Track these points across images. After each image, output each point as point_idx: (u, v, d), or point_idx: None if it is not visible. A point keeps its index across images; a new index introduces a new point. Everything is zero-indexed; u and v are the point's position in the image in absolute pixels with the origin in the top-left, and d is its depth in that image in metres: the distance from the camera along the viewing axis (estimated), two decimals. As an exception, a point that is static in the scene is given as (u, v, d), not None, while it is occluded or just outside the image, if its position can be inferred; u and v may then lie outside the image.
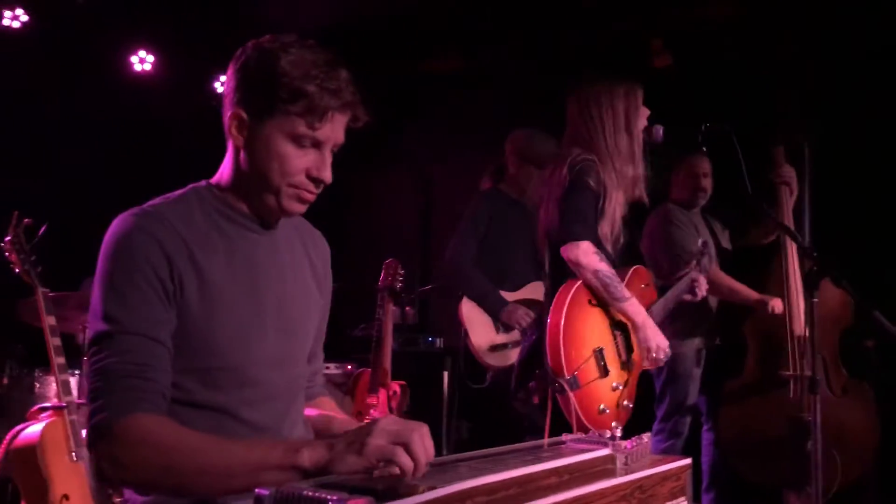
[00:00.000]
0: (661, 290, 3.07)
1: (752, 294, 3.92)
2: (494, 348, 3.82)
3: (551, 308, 2.65)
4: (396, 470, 1.14)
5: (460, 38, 5.74)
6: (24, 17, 4.88)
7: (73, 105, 5.04)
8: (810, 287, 2.47)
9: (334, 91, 1.44)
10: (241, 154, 1.50)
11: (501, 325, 3.80)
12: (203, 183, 1.57)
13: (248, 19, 5.42)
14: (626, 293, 2.71)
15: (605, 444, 1.42)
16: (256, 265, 1.53)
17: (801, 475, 3.17)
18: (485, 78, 5.83)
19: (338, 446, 1.18)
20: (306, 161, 1.48)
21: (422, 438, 1.15)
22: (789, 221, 3.96)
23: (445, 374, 4.84)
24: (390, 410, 4.04)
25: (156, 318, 1.40)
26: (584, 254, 2.65)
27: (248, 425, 1.47)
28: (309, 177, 1.49)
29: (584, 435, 1.48)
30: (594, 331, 2.70)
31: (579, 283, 2.69)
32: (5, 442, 2.72)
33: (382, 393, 4.08)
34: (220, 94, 1.54)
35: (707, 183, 4.10)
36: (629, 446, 1.42)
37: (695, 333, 3.95)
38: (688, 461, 1.51)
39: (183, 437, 1.32)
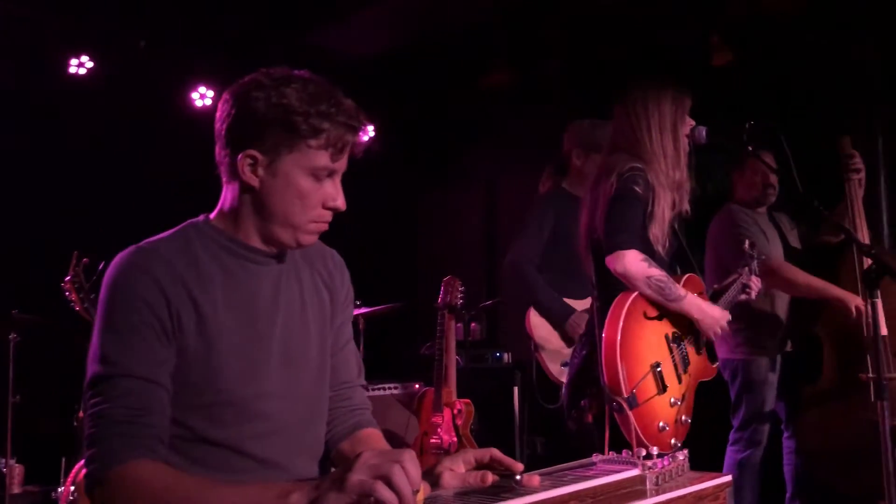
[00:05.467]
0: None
1: (832, 290, 3.70)
2: (566, 363, 3.57)
3: (606, 322, 2.54)
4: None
5: (517, 52, 5.70)
6: (89, 64, 5.10)
7: (137, 144, 5.18)
8: (870, 286, 2.35)
9: (346, 122, 1.47)
10: (254, 194, 1.49)
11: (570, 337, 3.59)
12: (201, 218, 1.58)
13: (306, 49, 5.51)
14: (682, 291, 2.61)
15: (635, 465, 1.35)
16: (258, 297, 1.52)
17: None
18: (544, 92, 5.78)
19: (323, 485, 1.15)
20: (323, 193, 1.50)
21: (403, 469, 1.09)
22: (861, 216, 3.76)
23: (515, 389, 4.76)
24: (455, 429, 4.02)
25: (153, 358, 1.39)
26: (631, 262, 2.54)
27: (254, 460, 1.46)
28: (325, 207, 1.51)
29: (615, 455, 1.42)
30: (651, 345, 2.59)
31: (634, 294, 2.57)
32: (72, 473, 2.82)
33: (447, 411, 4.06)
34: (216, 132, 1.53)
35: (774, 180, 3.94)
36: (661, 465, 1.35)
37: (767, 345, 3.81)
38: (727, 479, 1.42)
39: (176, 483, 1.31)
